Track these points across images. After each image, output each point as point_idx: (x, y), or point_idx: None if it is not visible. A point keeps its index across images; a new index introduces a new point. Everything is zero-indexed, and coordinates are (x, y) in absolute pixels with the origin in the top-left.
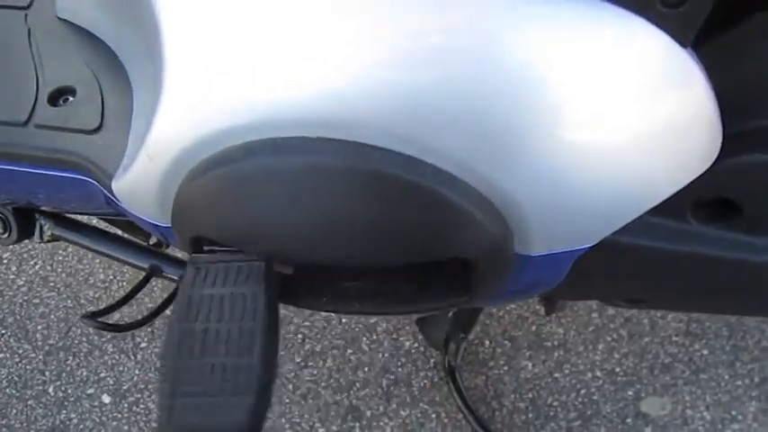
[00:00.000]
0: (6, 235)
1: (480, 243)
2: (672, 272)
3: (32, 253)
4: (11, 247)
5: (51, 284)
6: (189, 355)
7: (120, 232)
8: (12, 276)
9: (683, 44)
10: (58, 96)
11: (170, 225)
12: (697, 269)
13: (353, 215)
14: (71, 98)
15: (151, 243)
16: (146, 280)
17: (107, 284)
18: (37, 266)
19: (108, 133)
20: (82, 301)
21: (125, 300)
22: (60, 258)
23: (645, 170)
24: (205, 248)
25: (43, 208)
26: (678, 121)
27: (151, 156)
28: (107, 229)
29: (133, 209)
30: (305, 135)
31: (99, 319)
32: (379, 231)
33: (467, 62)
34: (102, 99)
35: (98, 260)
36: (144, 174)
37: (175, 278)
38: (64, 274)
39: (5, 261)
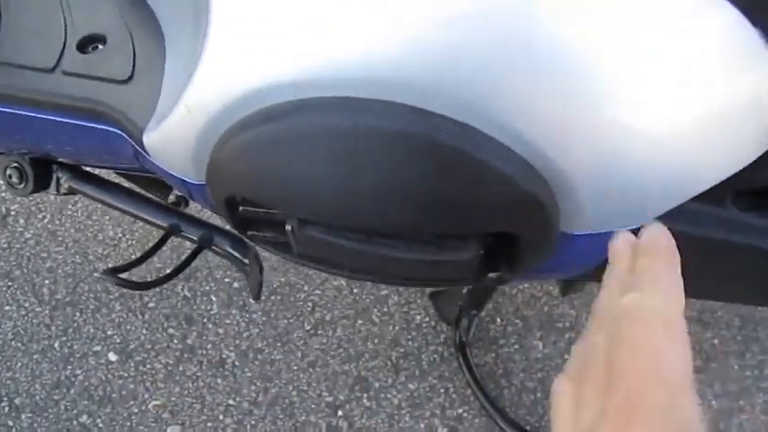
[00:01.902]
0: (23, 185)
1: (527, 218)
2: (706, 258)
3: (41, 206)
4: (19, 200)
5: (59, 239)
6: None
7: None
8: (20, 229)
9: (753, 22)
10: (88, 44)
11: (201, 183)
12: (732, 257)
13: (399, 181)
14: (101, 46)
15: (170, 201)
16: (165, 238)
17: (116, 242)
18: (45, 220)
19: (139, 84)
20: (90, 258)
21: (145, 257)
22: (69, 213)
23: (699, 154)
24: (240, 209)
25: (61, 160)
26: (739, 103)
27: (190, 108)
28: (125, 185)
29: (164, 164)
30: (357, 96)
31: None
32: (425, 199)
33: (523, 30)
34: (134, 49)
35: (107, 216)
36: (180, 127)
37: (194, 238)
38: (72, 230)
39: (14, 213)
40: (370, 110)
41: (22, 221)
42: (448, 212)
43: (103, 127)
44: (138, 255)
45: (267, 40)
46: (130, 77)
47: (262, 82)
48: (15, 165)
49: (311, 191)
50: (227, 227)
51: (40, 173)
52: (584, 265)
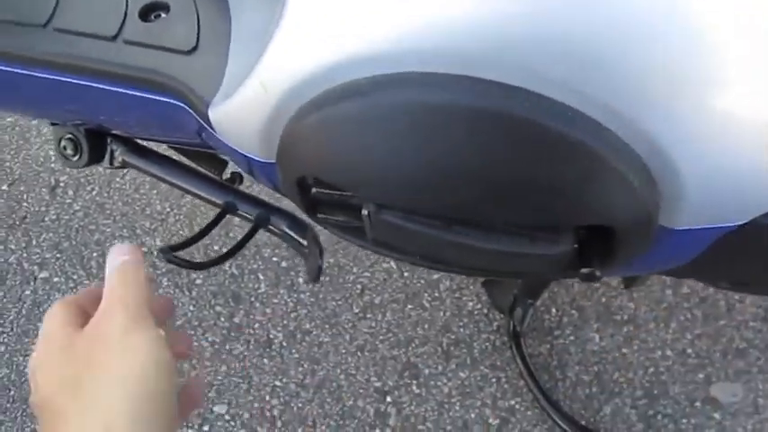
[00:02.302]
0: (77, 157)
1: (627, 210)
2: None
3: (90, 178)
4: (68, 171)
5: (108, 212)
6: None
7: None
8: (68, 201)
9: None
10: (150, 11)
11: (268, 161)
12: None
13: (490, 165)
14: (164, 14)
15: (225, 178)
16: (221, 216)
17: (164, 216)
18: (94, 192)
19: (204, 55)
20: (138, 232)
21: (200, 235)
22: (117, 186)
23: None
24: (313, 191)
25: (115, 132)
26: None
27: (264, 83)
28: (179, 160)
29: (229, 140)
30: (445, 72)
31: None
32: (517, 185)
33: None
34: (198, 17)
35: (155, 191)
36: (251, 103)
37: (250, 217)
38: (120, 203)
39: (62, 185)
40: (456, 86)
41: (70, 193)
42: (543, 201)
43: (166, 99)
44: (186, 230)
45: (349, 11)
46: (195, 48)
47: (342, 56)
48: (70, 136)
49: (392, 173)
50: (281, 206)
51: (95, 145)
52: (680, 260)
